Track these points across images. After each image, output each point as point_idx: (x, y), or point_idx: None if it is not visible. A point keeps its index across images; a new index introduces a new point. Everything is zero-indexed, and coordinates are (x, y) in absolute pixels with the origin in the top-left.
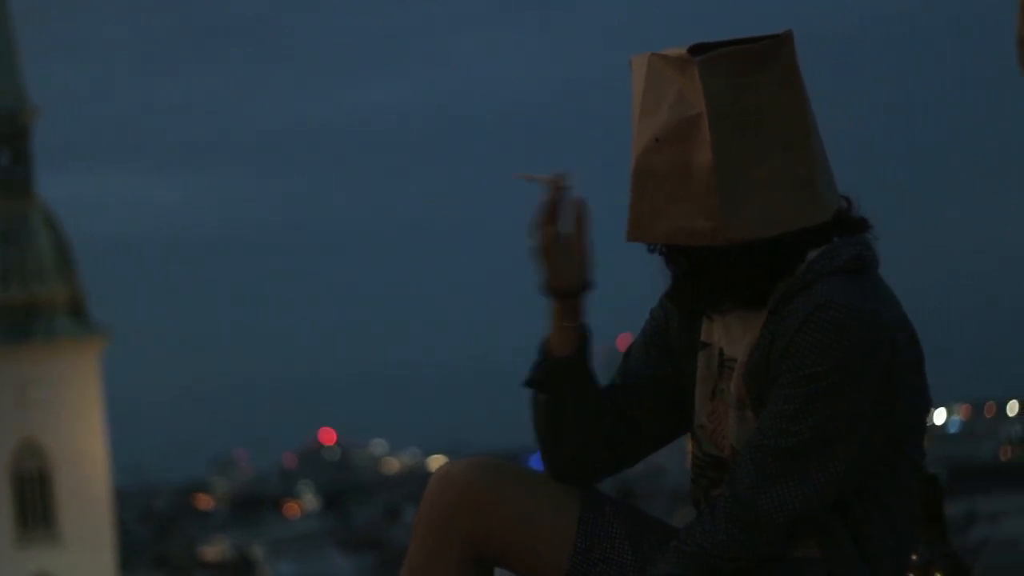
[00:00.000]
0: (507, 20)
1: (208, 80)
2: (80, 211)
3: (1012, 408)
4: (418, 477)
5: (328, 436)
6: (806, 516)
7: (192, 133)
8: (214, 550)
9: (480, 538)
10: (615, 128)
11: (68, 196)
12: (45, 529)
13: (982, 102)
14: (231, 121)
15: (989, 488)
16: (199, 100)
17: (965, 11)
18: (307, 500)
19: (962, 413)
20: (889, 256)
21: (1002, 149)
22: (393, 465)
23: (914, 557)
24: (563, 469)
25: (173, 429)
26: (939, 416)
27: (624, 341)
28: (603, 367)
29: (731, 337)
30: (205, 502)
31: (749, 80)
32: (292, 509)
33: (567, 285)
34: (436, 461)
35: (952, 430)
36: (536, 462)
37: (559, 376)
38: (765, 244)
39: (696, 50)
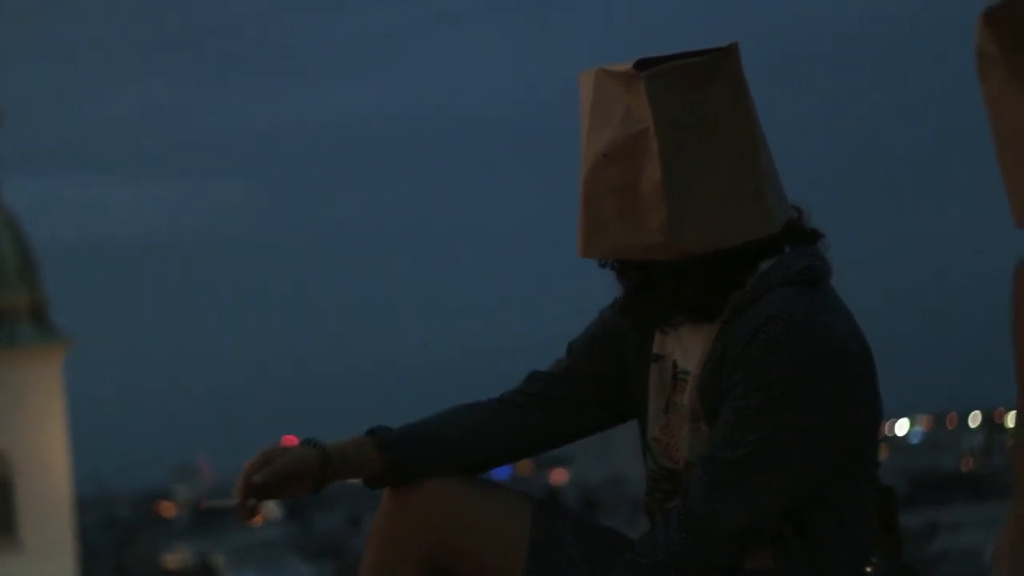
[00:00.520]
0: (507, 20)
1: (164, 89)
2: (43, 216)
3: (974, 419)
4: None
5: (291, 444)
6: (757, 526)
7: (156, 140)
8: (175, 558)
9: (435, 549)
10: None
11: (31, 200)
12: (5, 536)
13: (982, 102)
14: (185, 130)
15: (951, 499)
16: (175, 105)
17: (965, 11)
18: (269, 508)
19: (924, 424)
20: (881, 261)
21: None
22: None
23: (868, 569)
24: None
25: (134, 436)
26: (901, 427)
27: None
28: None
29: (685, 349)
30: (168, 509)
31: (696, 95)
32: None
33: (309, 488)
34: None
35: (914, 441)
36: (495, 472)
37: (397, 474)
38: (716, 256)
39: (642, 65)
